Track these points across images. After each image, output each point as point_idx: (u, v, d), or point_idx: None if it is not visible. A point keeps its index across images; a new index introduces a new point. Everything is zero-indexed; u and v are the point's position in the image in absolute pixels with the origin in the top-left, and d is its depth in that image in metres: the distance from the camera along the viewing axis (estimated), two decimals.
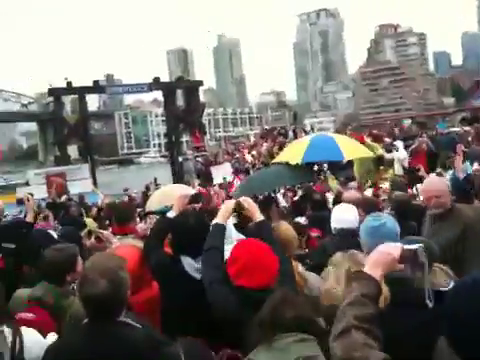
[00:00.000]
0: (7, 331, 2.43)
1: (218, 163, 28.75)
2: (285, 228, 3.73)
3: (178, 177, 40.31)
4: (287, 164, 6.75)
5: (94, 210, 11.49)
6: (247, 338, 2.45)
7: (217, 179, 19.89)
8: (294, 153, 6.92)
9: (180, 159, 43.80)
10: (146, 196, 14.86)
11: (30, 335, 2.51)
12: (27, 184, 22.62)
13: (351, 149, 7.21)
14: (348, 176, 9.83)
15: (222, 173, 20.15)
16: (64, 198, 13.21)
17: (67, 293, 3.16)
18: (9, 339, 2.39)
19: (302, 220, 5.44)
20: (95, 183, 27.34)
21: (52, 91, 46.48)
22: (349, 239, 3.62)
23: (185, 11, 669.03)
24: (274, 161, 8.52)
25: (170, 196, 8.72)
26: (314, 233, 4.45)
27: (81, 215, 10.35)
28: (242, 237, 3.46)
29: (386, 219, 3.30)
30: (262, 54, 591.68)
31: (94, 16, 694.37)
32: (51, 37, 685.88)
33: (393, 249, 1.91)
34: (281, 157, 7.61)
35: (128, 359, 2.10)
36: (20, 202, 11.82)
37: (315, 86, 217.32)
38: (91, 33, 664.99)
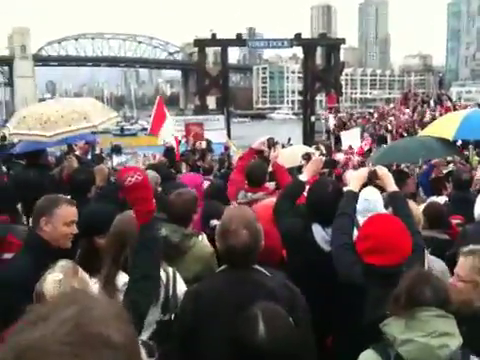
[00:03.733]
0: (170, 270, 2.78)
1: (351, 126, 28.01)
2: (411, 204, 3.57)
3: (309, 137, 40.18)
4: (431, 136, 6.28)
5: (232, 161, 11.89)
6: (367, 307, 2.50)
7: (346, 143, 19.44)
8: (445, 128, 6.36)
9: (312, 119, 43.43)
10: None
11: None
12: None
13: None
14: None
15: (351, 137, 19.60)
16: (203, 144, 13.80)
17: (191, 235, 3.37)
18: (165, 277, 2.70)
19: (439, 199, 5.07)
20: (229, 135, 28.19)
21: (197, 42, 48.14)
22: None
23: None
24: (421, 134, 7.96)
25: (296, 157, 8.83)
26: (455, 220, 4.11)
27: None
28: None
29: None
30: (411, 14, 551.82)
31: None
32: None
33: None
34: (429, 131, 7.08)
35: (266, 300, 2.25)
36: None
37: (467, 52, 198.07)
38: None
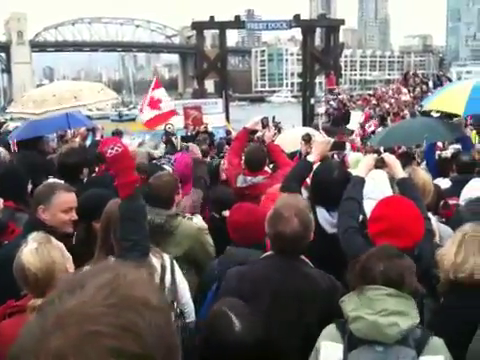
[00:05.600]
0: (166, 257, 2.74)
1: (351, 108, 27.96)
2: (422, 175, 3.51)
3: (308, 119, 39.98)
4: (435, 117, 6.12)
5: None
6: None
7: (352, 125, 19.56)
8: (454, 101, 6.04)
9: (312, 101, 43.19)
10: None
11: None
12: None
13: None
14: None
15: (356, 120, 19.81)
16: (202, 128, 13.68)
17: (175, 215, 3.35)
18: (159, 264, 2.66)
19: (444, 182, 5.00)
20: (228, 118, 28.03)
21: (195, 24, 47.66)
22: None
23: None
24: (427, 108, 7.67)
25: (298, 140, 8.71)
26: (452, 201, 4.08)
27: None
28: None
29: None
30: None
31: None
32: None
33: None
34: (436, 104, 6.76)
35: (311, 292, 2.33)
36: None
37: (468, 32, 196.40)
38: None
